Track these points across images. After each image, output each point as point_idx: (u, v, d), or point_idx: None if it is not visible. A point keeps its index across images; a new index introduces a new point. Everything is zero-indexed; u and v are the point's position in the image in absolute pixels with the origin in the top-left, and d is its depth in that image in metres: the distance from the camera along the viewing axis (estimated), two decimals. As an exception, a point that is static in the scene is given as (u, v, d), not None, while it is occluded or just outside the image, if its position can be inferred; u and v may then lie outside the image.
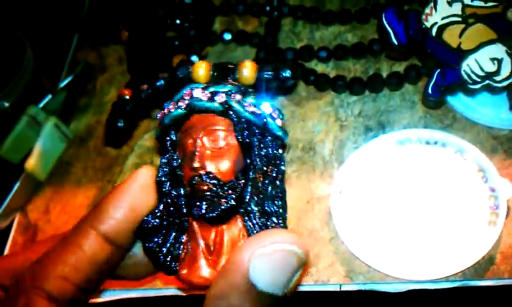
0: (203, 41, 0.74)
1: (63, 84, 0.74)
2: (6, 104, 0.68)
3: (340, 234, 0.56)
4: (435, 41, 0.60)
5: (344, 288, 0.55)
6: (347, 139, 0.64)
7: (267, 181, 0.42)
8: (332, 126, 0.65)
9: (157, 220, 0.41)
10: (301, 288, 0.56)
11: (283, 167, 0.43)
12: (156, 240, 0.41)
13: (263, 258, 0.31)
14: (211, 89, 0.42)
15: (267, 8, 0.76)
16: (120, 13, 0.79)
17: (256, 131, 0.42)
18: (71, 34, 0.82)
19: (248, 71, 0.44)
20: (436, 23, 0.60)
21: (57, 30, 0.82)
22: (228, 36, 0.75)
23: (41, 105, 0.71)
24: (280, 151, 0.43)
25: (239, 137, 0.42)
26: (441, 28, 0.60)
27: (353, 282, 0.55)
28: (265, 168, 0.42)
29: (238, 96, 0.42)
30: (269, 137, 0.43)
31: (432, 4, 0.61)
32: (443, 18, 0.60)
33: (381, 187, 0.59)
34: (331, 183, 0.60)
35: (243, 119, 0.42)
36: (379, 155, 0.61)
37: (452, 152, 0.59)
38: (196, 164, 0.41)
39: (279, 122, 0.43)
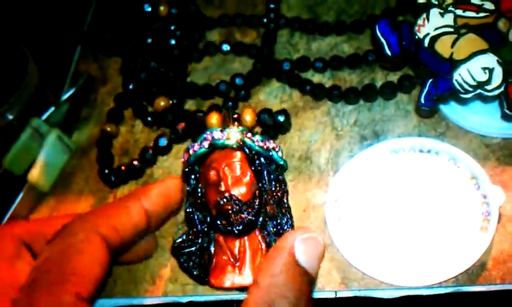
0: (186, 57, 0.77)
1: (65, 96, 0.76)
2: (10, 117, 0.70)
3: (335, 241, 0.57)
4: (428, 51, 0.61)
5: (339, 295, 0.56)
6: (343, 148, 0.65)
7: (275, 200, 0.56)
8: (328, 136, 0.66)
9: (189, 242, 0.56)
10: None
11: (286, 188, 0.58)
12: (188, 258, 0.56)
13: (303, 242, 0.42)
14: (227, 131, 0.56)
15: (265, 20, 0.77)
16: (122, 26, 0.81)
17: (264, 161, 0.56)
18: (73, 47, 0.84)
19: (249, 116, 0.61)
20: (428, 34, 0.62)
21: (59, 42, 0.84)
22: (226, 47, 0.77)
23: (44, 117, 0.72)
24: (282, 176, 0.58)
25: (252, 167, 0.55)
26: (434, 39, 0.61)
27: (348, 289, 0.56)
28: (273, 189, 0.56)
29: (249, 134, 0.56)
30: (274, 166, 0.57)
31: (424, 16, 0.63)
32: (435, 29, 0.62)
33: (376, 195, 0.60)
34: (326, 192, 0.62)
35: (254, 152, 0.56)
36: (374, 164, 0.62)
37: (445, 160, 0.60)
38: (222, 188, 0.54)
39: (280, 154, 0.58)
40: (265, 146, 0.57)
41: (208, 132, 0.57)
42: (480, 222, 0.56)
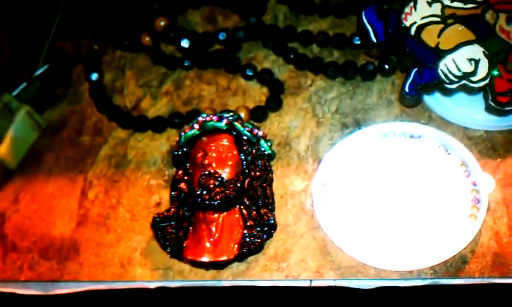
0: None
1: (38, 73, 0.73)
2: (-20, 91, 0.67)
3: (322, 224, 0.56)
4: (413, 40, 0.60)
5: (314, 284, 0.54)
6: (324, 135, 0.63)
7: (260, 184, 0.57)
8: (309, 123, 0.64)
9: (168, 217, 0.56)
10: (272, 283, 0.55)
11: (271, 175, 0.59)
12: (165, 232, 0.56)
13: None
14: (219, 114, 0.59)
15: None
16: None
17: (252, 148, 0.58)
18: (50, 23, 0.81)
19: (243, 113, 0.63)
20: (415, 22, 0.60)
21: (35, 19, 0.81)
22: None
23: (15, 93, 0.69)
24: (268, 163, 0.59)
25: (239, 150, 0.57)
26: (420, 27, 0.60)
27: (324, 278, 0.54)
28: (258, 175, 0.57)
29: (239, 120, 0.59)
30: (260, 152, 0.58)
31: (412, 4, 0.61)
32: (422, 18, 0.60)
33: (365, 178, 0.59)
34: (305, 179, 0.60)
35: (243, 136, 0.58)
36: (364, 147, 0.61)
37: (435, 146, 0.59)
38: (206, 162, 0.56)
39: (268, 143, 0.60)
40: (254, 133, 0.58)
41: (200, 117, 0.59)
42: (470, 209, 0.55)
